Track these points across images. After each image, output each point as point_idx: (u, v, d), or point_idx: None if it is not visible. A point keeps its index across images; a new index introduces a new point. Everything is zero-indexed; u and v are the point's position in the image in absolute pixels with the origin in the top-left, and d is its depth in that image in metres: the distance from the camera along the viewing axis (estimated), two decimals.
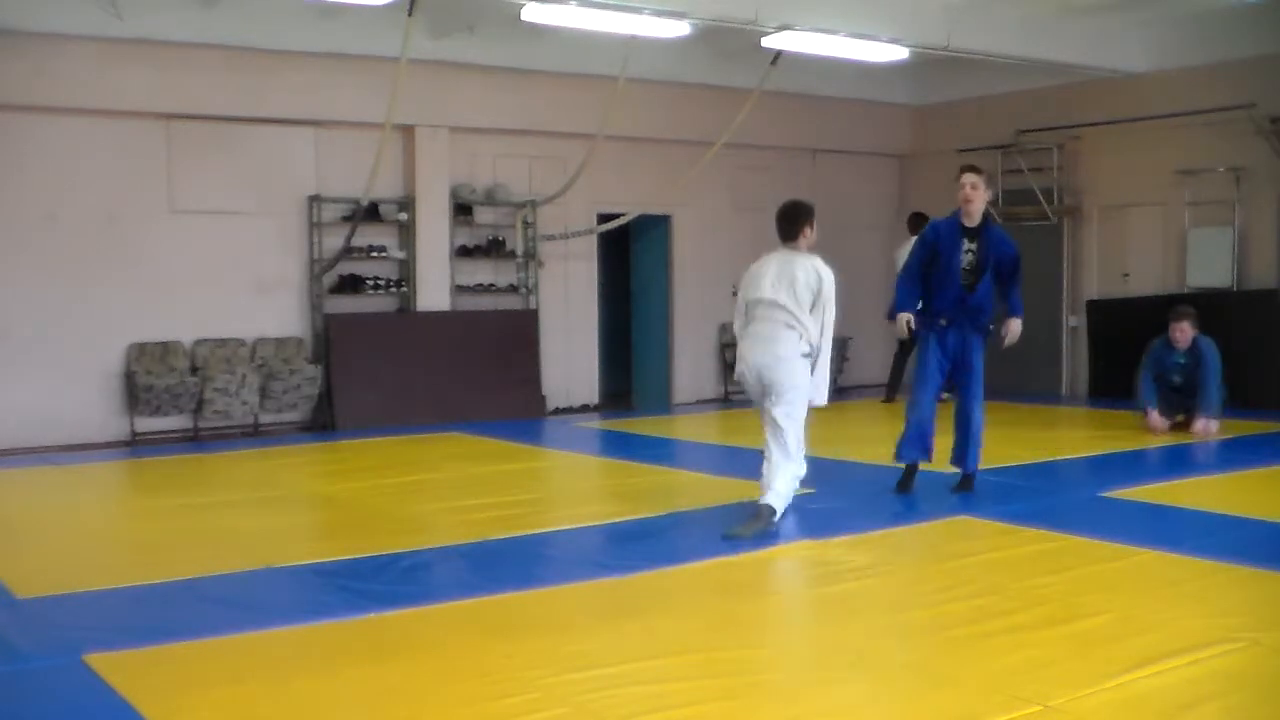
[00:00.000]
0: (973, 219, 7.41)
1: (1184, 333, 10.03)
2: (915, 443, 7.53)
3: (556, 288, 12.86)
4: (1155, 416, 10.08)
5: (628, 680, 4.11)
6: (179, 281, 10.83)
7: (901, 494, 7.49)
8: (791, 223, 6.78)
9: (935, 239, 7.51)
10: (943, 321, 7.47)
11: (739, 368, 6.81)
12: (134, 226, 10.64)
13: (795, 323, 6.55)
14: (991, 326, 7.45)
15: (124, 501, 8.55)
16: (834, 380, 7.47)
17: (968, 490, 7.46)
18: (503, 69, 11.90)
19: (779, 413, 6.59)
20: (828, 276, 6.62)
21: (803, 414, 6.67)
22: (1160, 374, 10.16)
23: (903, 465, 7.62)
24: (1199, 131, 12.14)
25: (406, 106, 10.33)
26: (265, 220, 11.25)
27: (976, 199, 7.36)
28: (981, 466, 7.60)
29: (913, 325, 7.44)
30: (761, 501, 6.56)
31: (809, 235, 6.79)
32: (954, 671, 4.22)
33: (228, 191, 11.03)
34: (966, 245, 7.39)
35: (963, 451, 7.50)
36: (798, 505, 6.89)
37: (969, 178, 7.40)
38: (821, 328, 6.62)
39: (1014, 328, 7.46)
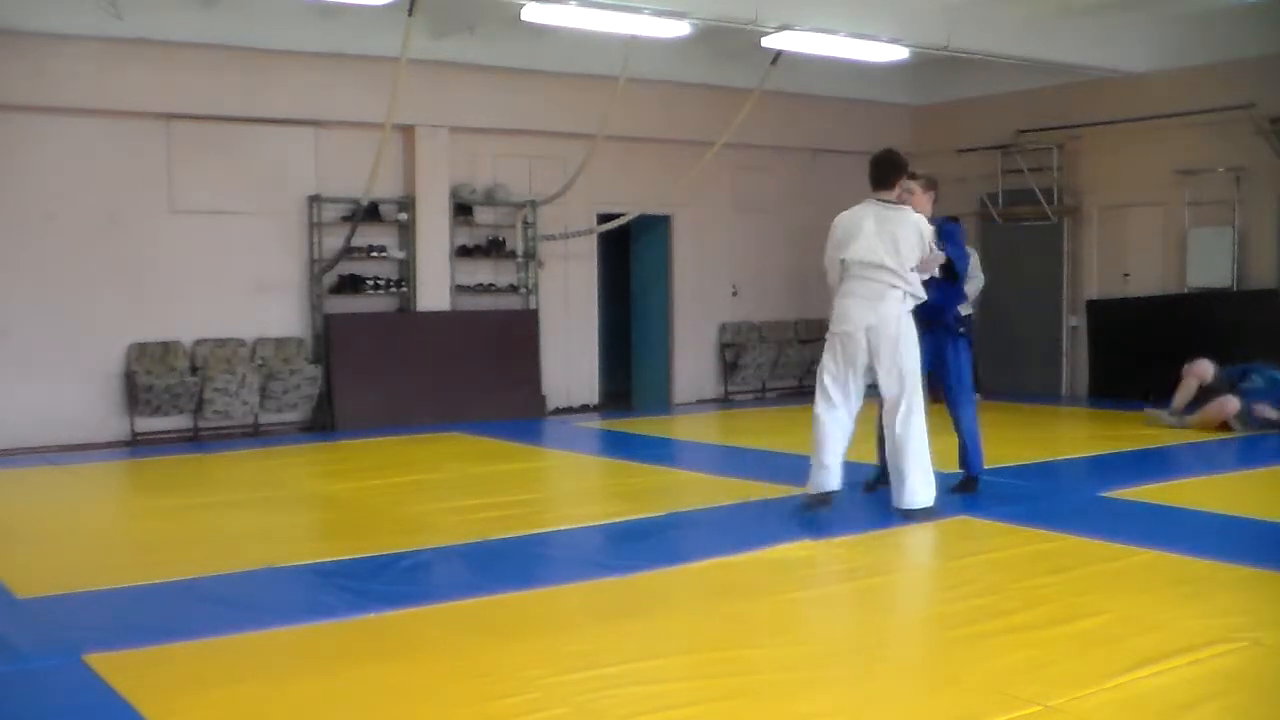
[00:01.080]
0: None
1: None
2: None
3: (556, 288, 12.86)
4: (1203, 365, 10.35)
5: (628, 680, 4.10)
6: (179, 281, 10.83)
7: (865, 493, 7.35)
8: (887, 171, 6.79)
9: None
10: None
11: (842, 328, 6.71)
12: (134, 226, 10.64)
13: (899, 282, 6.59)
14: (963, 330, 7.42)
15: (124, 501, 8.55)
16: None
17: (969, 491, 7.45)
18: (503, 69, 11.90)
19: (903, 395, 6.64)
20: (928, 233, 6.69)
21: (919, 383, 6.74)
22: (1254, 373, 10.32)
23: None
24: (1199, 131, 12.13)
25: (406, 106, 10.32)
26: (265, 220, 11.25)
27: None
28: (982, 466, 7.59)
29: None
30: (902, 509, 6.68)
31: (905, 187, 6.85)
32: (954, 671, 4.22)
33: (228, 191, 11.02)
34: None
35: (961, 454, 7.49)
36: (797, 506, 6.91)
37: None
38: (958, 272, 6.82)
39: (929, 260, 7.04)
